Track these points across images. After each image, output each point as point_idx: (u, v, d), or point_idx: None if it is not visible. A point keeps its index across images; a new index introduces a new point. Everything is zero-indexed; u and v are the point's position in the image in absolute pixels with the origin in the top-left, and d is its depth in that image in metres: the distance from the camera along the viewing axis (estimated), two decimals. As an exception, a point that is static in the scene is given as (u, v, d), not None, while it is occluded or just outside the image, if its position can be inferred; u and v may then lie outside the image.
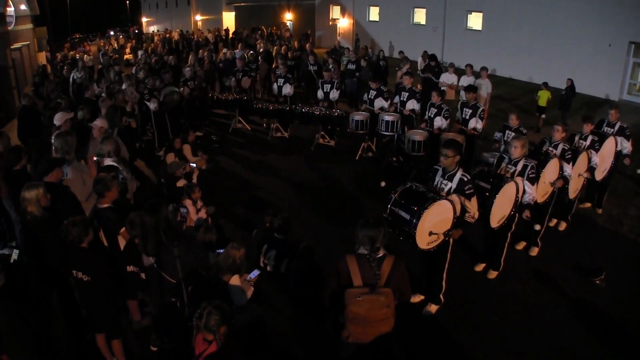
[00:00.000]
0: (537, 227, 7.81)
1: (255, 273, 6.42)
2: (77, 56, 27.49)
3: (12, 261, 5.61)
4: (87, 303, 5.81)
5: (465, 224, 6.67)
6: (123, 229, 6.28)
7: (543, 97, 17.05)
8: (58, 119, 9.71)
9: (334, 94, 14.79)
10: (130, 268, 6.23)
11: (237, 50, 23.41)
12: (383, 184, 10.08)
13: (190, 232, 7.22)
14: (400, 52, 22.34)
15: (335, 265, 4.98)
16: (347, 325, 4.86)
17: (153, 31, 54.65)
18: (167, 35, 39.19)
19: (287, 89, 15.88)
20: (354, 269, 4.78)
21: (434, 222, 6.31)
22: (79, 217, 5.83)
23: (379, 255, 4.81)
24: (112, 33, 64.44)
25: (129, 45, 38.05)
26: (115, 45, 40.05)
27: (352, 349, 5.01)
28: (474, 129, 11.53)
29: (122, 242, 6.34)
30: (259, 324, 6.55)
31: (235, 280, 6.18)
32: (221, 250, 6.56)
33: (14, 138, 10.22)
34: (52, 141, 8.20)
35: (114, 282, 5.86)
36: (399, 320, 7.08)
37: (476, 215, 6.65)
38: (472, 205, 6.57)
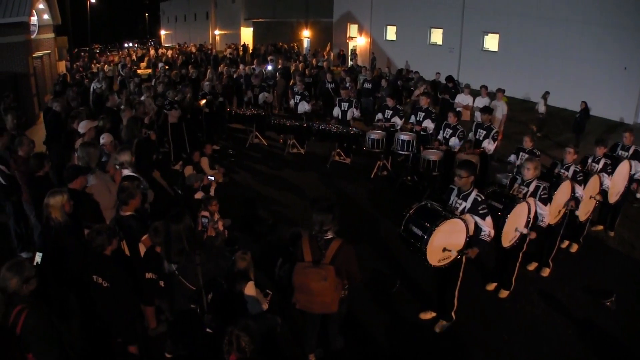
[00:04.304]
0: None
1: None
2: (98, 66, 27.78)
3: (35, 264, 5.74)
4: (104, 309, 5.92)
5: (480, 242, 6.75)
6: (145, 237, 6.44)
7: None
8: (82, 126, 9.88)
9: (354, 113, 14.87)
10: (149, 275, 6.39)
11: (255, 66, 23.66)
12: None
13: (210, 241, 7.36)
14: (416, 72, 22.52)
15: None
16: (295, 293, 5.80)
17: (178, 43, 55.14)
18: (187, 49, 39.58)
19: (305, 106, 16.03)
20: (306, 247, 5.68)
21: (446, 240, 6.42)
22: (104, 226, 5.98)
23: (327, 237, 5.61)
24: (126, 45, 65.15)
25: (146, 59, 38.16)
26: (134, 57, 40.42)
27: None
28: (484, 148, 11.62)
29: (142, 249, 6.51)
30: (273, 333, 6.69)
31: (250, 290, 6.32)
32: None
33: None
34: (76, 150, 8.38)
35: (132, 289, 6.00)
36: (412, 336, 7.20)
37: (492, 234, 6.74)
38: (487, 224, 6.67)
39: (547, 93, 18.90)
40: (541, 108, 18.72)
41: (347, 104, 14.90)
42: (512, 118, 18.86)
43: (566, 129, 18.86)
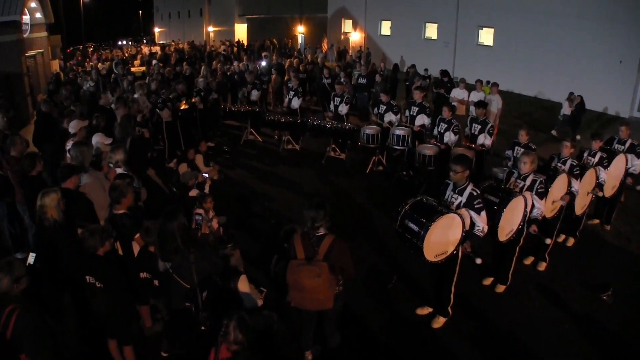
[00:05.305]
0: (548, 241, 7.83)
1: None
2: (92, 65, 27.65)
3: (28, 264, 5.69)
4: (99, 309, 5.88)
5: (473, 237, 6.73)
6: (137, 235, 6.39)
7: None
8: (73, 126, 9.83)
9: (344, 108, 14.83)
10: (143, 274, 6.35)
11: (247, 62, 23.56)
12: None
13: (204, 239, 7.32)
14: (412, 67, 22.50)
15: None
16: (290, 291, 5.79)
17: (173, 41, 54.91)
18: (180, 46, 39.44)
19: (296, 102, 16.04)
20: (298, 245, 5.69)
21: (442, 235, 6.40)
22: (98, 227, 5.92)
23: (320, 234, 5.63)
24: (120, 43, 64.89)
25: (139, 56, 37.90)
26: (127, 54, 40.21)
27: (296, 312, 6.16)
28: (482, 144, 11.57)
29: (136, 248, 6.46)
30: (270, 330, 6.68)
31: (243, 283, 6.32)
32: None
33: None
34: (68, 149, 8.32)
35: (126, 289, 5.96)
36: (408, 332, 7.17)
37: (485, 229, 6.72)
38: (482, 220, 6.65)
39: (571, 94, 18.47)
40: (567, 110, 18.30)
41: (340, 99, 14.86)
42: (508, 112, 18.83)
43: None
